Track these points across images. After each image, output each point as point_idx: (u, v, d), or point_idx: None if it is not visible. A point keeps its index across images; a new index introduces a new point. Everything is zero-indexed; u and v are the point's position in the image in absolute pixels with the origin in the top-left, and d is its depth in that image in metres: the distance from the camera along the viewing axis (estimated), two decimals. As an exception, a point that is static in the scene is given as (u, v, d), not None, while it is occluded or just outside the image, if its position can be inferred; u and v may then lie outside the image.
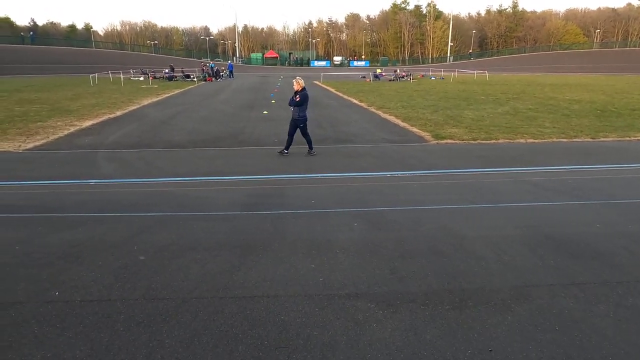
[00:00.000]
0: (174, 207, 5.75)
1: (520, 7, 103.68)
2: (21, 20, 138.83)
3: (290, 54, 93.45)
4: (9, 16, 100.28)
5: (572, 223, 5.13)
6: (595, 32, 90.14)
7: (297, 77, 9.02)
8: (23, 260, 4.14)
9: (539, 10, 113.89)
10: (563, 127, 12.46)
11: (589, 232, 4.83)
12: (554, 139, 10.77)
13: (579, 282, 3.72)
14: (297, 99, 8.69)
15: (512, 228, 4.95)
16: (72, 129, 12.38)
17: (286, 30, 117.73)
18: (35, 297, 3.47)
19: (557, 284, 3.69)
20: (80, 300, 3.43)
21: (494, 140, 10.62)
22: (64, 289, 3.60)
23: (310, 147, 9.14)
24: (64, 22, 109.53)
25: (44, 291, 3.56)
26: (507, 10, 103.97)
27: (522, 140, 10.63)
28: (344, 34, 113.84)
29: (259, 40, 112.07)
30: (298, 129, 8.93)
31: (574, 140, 10.75)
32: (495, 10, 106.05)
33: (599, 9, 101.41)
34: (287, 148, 9.07)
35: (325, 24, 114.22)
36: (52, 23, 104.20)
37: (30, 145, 10.11)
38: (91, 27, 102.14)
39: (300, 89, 8.76)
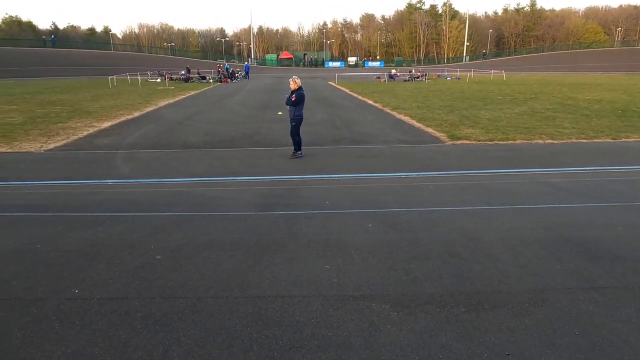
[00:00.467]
0: (189, 207, 5.82)
1: (538, 6, 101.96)
2: (43, 23, 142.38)
3: (304, 54, 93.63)
4: (32, 20, 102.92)
5: (592, 225, 5.02)
6: (616, 30, 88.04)
7: (294, 76, 8.89)
8: (44, 258, 4.24)
9: (557, 8, 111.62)
10: (583, 127, 12.20)
11: (610, 234, 4.72)
12: (573, 140, 10.56)
13: (600, 286, 3.63)
14: (294, 99, 8.56)
15: (529, 230, 4.87)
16: (91, 130, 12.64)
17: (301, 31, 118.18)
18: (56, 294, 3.55)
19: (577, 287, 3.61)
20: (99, 298, 3.50)
21: (511, 141, 10.46)
22: (83, 286, 3.67)
23: (297, 149, 8.94)
24: (84, 25, 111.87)
25: (64, 289, 3.64)
26: (524, 9, 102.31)
27: (540, 141, 10.45)
28: (359, 34, 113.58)
29: (274, 42, 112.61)
30: (298, 127, 8.82)
31: (594, 140, 10.51)
32: (512, 9, 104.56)
33: (621, 6, 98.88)
34: (298, 148, 9.02)
35: (339, 24, 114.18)
36: (72, 26, 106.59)
37: (51, 146, 10.36)
38: (110, 30, 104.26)
39: (297, 87, 8.62)
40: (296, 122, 8.77)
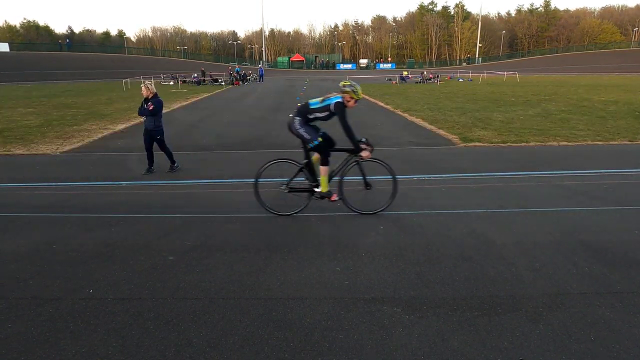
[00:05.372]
0: (202, 209, 5.87)
1: (552, 6, 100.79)
2: (59, 28, 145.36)
3: (316, 57, 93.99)
4: (48, 24, 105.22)
5: (609, 229, 4.93)
6: (633, 30, 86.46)
7: (146, 82, 7.80)
8: (60, 258, 4.31)
9: (572, 8, 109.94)
10: (598, 129, 11.99)
11: (627, 239, 4.62)
12: (589, 142, 10.38)
13: (617, 291, 3.56)
14: (151, 108, 7.54)
15: (544, 234, 4.79)
16: (105, 133, 12.83)
17: (312, 34, 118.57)
18: (71, 294, 3.61)
19: (593, 292, 3.54)
20: (113, 298, 3.54)
21: (524, 143, 10.33)
22: (97, 286, 3.72)
23: (172, 162, 8.07)
24: (99, 29, 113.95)
25: (79, 288, 3.70)
26: (538, 10, 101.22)
27: (554, 143, 10.30)
28: (370, 36, 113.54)
29: (285, 44, 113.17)
30: (155, 141, 7.86)
31: (610, 142, 10.32)
32: (526, 9, 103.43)
33: (637, 6, 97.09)
34: (151, 164, 8.03)
35: (351, 26, 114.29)
36: (87, 30, 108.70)
37: (67, 148, 10.54)
38: (124, 34, 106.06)
39: (152, 95, 7.61)
40: (160, 134, 7.81)
